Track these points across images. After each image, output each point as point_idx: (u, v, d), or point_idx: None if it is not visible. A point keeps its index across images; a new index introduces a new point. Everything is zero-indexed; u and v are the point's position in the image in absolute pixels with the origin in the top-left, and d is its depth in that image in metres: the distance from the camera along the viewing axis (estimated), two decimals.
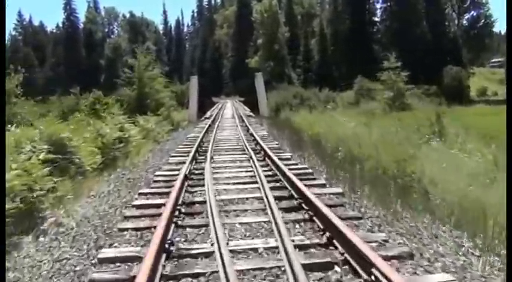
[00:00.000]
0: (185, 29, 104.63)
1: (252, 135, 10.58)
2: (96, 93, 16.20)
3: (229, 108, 30.72)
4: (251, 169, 6.07)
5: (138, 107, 13.83)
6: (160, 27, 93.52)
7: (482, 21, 60.47)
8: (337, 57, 54.96)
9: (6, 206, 3.56)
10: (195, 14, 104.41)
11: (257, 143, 8.69)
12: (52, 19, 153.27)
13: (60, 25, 79.49)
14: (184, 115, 22.09)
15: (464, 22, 62.06)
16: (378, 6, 59.42)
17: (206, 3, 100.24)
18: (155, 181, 5.55)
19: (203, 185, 5.00)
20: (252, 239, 3.24)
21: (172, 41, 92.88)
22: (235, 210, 4.02)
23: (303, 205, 3.97)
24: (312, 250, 2.99)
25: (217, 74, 71.83)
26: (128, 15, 72.46)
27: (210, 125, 14.05)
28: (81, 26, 77.40)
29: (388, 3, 55.79)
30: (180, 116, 20.82)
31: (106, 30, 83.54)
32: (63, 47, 75.14)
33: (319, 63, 55.46)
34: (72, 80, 45.59)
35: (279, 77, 47.62)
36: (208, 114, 21.90)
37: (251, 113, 21.17)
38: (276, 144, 9.17)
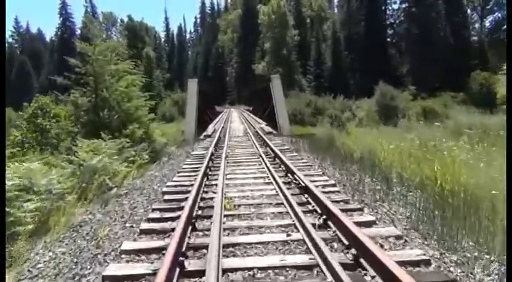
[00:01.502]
0: (187, 36, 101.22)
1: (303, 189, 4.79)
2: (41, 100, 10.50)
3: (237, 120, 24.98)
4: None
5: (94, 122, 8.11)
6: (162, 34, 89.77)
7: None
8: (351, 62, 50.70)
9: None
10: (198, 20, 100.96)
11: (347, 233, 2.99)
12: (52, 26, 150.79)
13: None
14: (181, 128, 16.49)
15: (487, 24, 58.20)
16: (395, 7, 55.42)
17: (209, 8, 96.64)
18: None
19: None
20: None
21: (174, 48, 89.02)
22: None
23: None
24: None
25: (220, 82, 67.66)
26: (126, 20, 67.98)
27: (212, 153, 8.31)
28: (78, 31, 73.44)
29: (407, 4, 52.02)
30: (171, 131, 15.13)
31: (104, 35, 79.55)
32: (59, 53, 71.13)
33: (331, 68, 51.40)
34: (69, 87, 40.53)
35: (288, 84, 43.29)
36: (210, 129, 16.20)
37: (269, 128, 15.29)
38: (396, 237, 3.32)
